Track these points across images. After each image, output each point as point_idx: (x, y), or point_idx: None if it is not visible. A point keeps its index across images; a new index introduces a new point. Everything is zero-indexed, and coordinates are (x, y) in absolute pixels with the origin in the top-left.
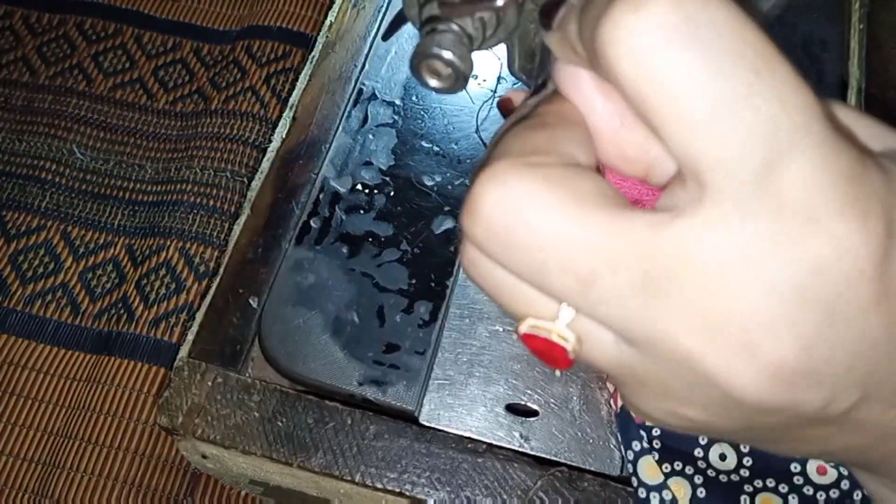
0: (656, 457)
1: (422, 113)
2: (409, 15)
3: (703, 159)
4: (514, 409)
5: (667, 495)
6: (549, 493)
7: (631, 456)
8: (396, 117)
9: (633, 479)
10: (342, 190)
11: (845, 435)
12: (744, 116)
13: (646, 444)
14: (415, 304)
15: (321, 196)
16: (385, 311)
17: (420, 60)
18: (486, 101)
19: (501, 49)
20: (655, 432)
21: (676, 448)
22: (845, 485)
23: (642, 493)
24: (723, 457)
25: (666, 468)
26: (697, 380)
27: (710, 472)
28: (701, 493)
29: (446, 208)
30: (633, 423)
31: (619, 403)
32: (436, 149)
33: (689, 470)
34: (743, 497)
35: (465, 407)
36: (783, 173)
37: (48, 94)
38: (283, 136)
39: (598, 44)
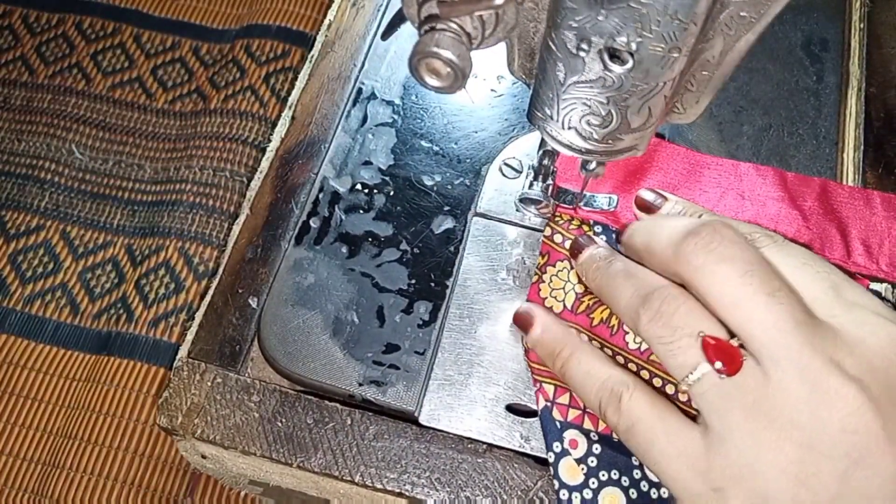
0: (577, 456)
1: (421, 112)
2: (409, 14)
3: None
4: (515, 410)
5: (587, 494)
6: (549, 494)
7: (552, 458)
8: (396, 116)
9: (555, 482)
10: (342, 189)
11: None
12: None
13: (566, 446)
14: (415, 304)
15: (321, 196)
16: (385, 311)
17: (419, 59)
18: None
19: (501, 48)
20: (594, 437)
21: (616, 455)
22: None
23: (564, 494)
24: None
25: (603, 476)
26: None
27: (644, 485)
28: None
29: (446, 208)
30: (555, 424)
31: (542, 404)
32: (435, 148)
33: (624, 482)
34: None
35: (465, 407)
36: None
37: (47, 94)
38: (283, 136)
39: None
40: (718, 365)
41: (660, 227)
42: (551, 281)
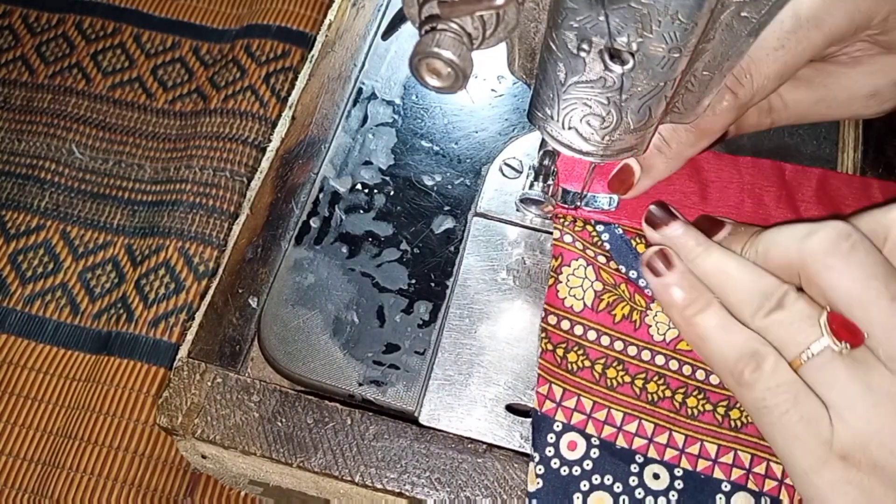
0: (572, 458)
1: (422, 112)
2: (409, 14)
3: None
4: (515, 409)
5: (577, 498)
6: None
7: (537, 458)
8: (396, 116)
9: (539, 481)
10: (342, 189)
11: None
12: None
13: (561, 449)
14: (415, 304)
15: (321, 196)
16: (385, 311)
17: (419, 60)
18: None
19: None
20: (594, 441)
21: (615, 462)
22: None
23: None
24: (656, 476)
25: (595, 479)
26: None
27: (639, 492)
28: None
29: (446, 208)
30: (552, 426)
31: (546, 405)
32: (436, 148)
33: (617, 487)
34: None
35: (465, 407)
36: None
37: (47, 94)
38: (283, 136)
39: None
40: (842, 340)
41: (777, 232)
42: (568, 280)
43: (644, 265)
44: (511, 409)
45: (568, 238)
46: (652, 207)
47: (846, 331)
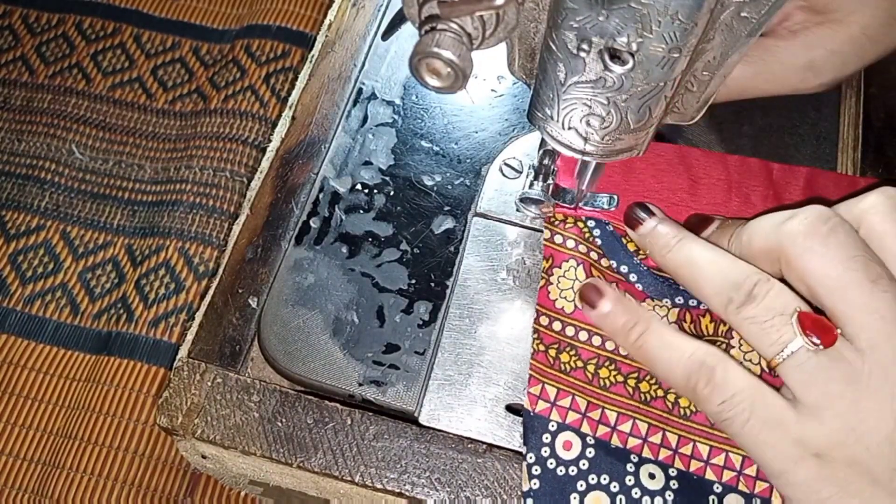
0: (568, 458)
1: (422, 112)
2: (409, 14)
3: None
4: (515, 409)
5: (574, 498)
6: None
7: (532, 458)
8: (396, 117)
9: (535, 481)
10: (342, 190)
11: None
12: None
13: (557, 449)
14: (415, 304)
15: (321, 196)
16: (385, 311)
17: (419, 60)
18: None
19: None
20: (590, 440)
21: (611, 462)
22: None
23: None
24: (652, 476)
25: (592, 479)
26: None
27: (636, 492)
28: None
29: (446, 208)
30: (544, 428)
31: (539, 406)
32: (436, 148)
33: (613, 487)
34: None
35: (465, 407)
36: None
37: (47, 94)
38: (283, 136)
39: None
40: (815, 339)
41: (759, 220)
42: (559, 282)
43: (579, 301)
44: (511, 409)
45: (559, 238)
46: (630, 208)
47: (818, 330)
